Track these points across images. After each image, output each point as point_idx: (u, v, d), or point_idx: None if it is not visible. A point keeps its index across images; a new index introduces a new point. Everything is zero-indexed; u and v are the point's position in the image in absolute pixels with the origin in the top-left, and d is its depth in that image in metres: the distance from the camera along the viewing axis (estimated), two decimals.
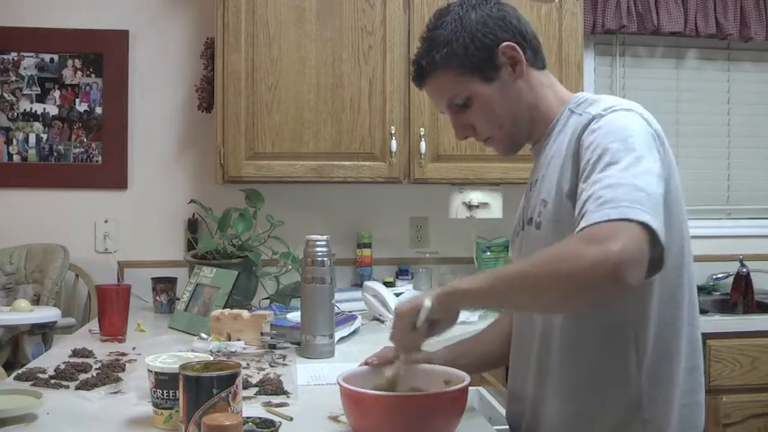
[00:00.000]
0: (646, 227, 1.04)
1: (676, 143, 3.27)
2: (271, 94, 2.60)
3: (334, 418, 1.29)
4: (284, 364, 1.73)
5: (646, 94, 3.23)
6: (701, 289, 2.99)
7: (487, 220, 2.83)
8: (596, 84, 3.25)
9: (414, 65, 1.38)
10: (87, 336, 2.12)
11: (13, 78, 2.85)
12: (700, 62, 3.34)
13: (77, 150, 2.88)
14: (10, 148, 2.85)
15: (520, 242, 1.39)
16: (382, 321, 2.40)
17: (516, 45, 1.32)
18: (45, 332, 2.37)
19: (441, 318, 1.17)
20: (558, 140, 1.30)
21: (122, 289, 2.10)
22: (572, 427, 1.25)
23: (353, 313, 2.28)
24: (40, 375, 1.56)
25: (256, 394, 1.43)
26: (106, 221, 2.89)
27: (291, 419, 1.27)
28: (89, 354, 1.80)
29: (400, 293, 2.56)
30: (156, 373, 1.22)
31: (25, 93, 2.86)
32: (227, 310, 1.96)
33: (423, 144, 2.66)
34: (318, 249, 1.84)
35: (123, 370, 1.63)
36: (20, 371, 1.62)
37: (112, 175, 2.89)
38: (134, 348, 1.90)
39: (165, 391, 1.21)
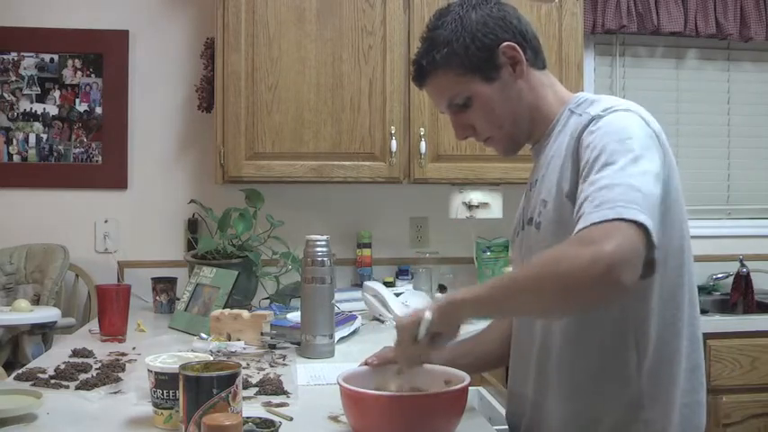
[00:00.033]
0: (641, 226, 1.04)
1: (676, 143, 3.27)
2: (271, 94, 2.60)
3: (334, 418, 1.29)
4: (284, 364, 1.73)
5: (646, 94, 3.23)
6: (701, 289, 2.99)
7: (487, 220, 2.83)
8: (596, 84, 3.25)
9: (414, 65, 1.38)
10: (87, 336, 2.12)
11: (13, 78, 2.85)
12: (700, 62, 3.34)
13: (77, 150, 2.88)
14: (10, 148, 2.85)
15: (520, 242, 1.39)
16: (382, 321, 2.41)
17: (517, 45, 1.32)
18: (45, 332, 2.37)
19: (442, 330, 1.16)
20: (558, 141, 1.30)
21: (122, 289, 2.10)
22: (572, 427, 1.25)
23: (353, 313, 2.28)
24: (40, 375, 1.56)
25: (256, 394, 1.43)
26: (106, 221, 2.89)
27: (291, 419, 1.27)
28: (89, 354, 1.80)
29: (400, 293, 2.56)
30: (156, 373, 1.22)
31: (25, 93, 2.86)
32: (227, 310, 1.96)
33: (423, 144, 2.66)
34: (318, 249, 1.84)
35: (123, 370, 1.63)
36: (20, 371, 1.62)
37: (112, 175, 2.89)
38: (134, 348, 1.90)
39: (165, 391, 1.21)
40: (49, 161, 2.86)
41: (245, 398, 1.28)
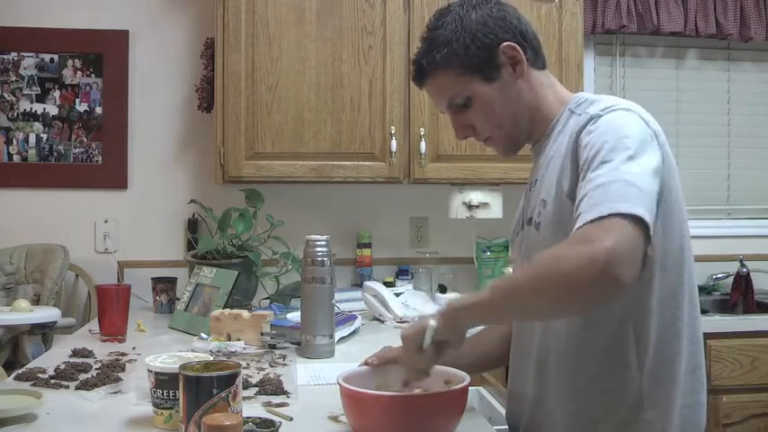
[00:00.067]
0: (639, 221, 1.04)
1: (676, 143, 3.27)
2: (271, 94, 2.60)
3: (334, 418, 1.29)
4: (284, 364, 1.73)
5: (646, 94, 3.23)
6: (701, 289, 2.97)
7: (487, 220, 2.83)
8: (596, 84, 3.25)
9: (414, 65, 1.38)
10: (87, 336, 2.12)
11: (13, 78, 2.85)
12: (700, 62, 3.34)
13: (77, 150, 2.88)
14: (10, 148, 2.85)
15: (519, 242, 1.39)
16: (382, 321, 2.41)
17: (517, 45, 1.32)
18: (45, 332, 2.37)
19: (447, 338, 1.16)
20: (558, 141, 1.30)
21: (122, 289, 2.10)
22: (572, 427, 1.25)
23: (353, 313, 2.28)
24: (40, 375, 1.56)
25: (256, 394, 1.43)
26: (106, 221, 2.89)
27: (291, 419, 1.27)
28: (89, 354, 1.80)
29: (400, 293, 2.56)
30: (156, 373, 1.22)
31: (25, 93, 2.86)
32: (227, 310, 1.96)
33: (423, 144, 2.66)
34: (318, 249, 1.84)
35: (123, 370, 1.63)
36: (20, 371, 1.62)
37: (112, 175, 2.89)
38: (134, 348, 1.90)
39: (165, 391, 1.21)
40: (49, 161, 2.86)
41: (245, 398, 1.28)
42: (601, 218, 1.04)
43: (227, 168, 2.58)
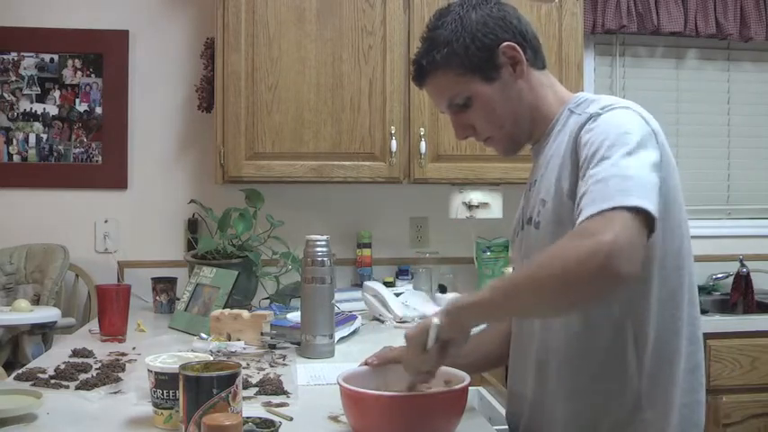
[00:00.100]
0: (640, 212, 1.04)
1: (676, 143, 3.27)
2: (271, 94, 2.60)
3: (334, 418, 1.29)
4: (284, 364, 1.73)
5: (646, 94, 3.23)
6: (701, 289, 2.98)
7: (487, 220, 2.83)
8: (596, 84, 3.25)
9: (414, 65, 1.38)
10: (87, 336, 2.12)
11: (13, 78, 2.85)
12: (700, 62, 3.34)
13: (77, 150, 2.88)
14: (10, 148, 2.85)
15: (519, 242, 1.39)
16: (382, 321, 2.41)
17: (517, 45, 1.32)
18: (45, 332, 2.37)
19: (452, 336, 1.15)
20: (558, 140, 1.30)
21: (122, 289, 2.10)
22: (572, 427, 1.25)
23: (353, 313, 2.28)
24: (40, 375, 1.56)
25: (256, 394, 1.43)
26: (106, 221, 2.89)
27: (291, 419, 1.27)
28: (89, 354, 1.80)
29: (400, 293, 2.56)
30: (156, 373, 1.22)
31: (25, 93, 2.86)
32: (227, 310, 1.96)
33: (423, 144, 2.66)
34: (318, 249, 1.84)
35: (123, 370, 1.63)
36: (20, 371, 1.62)
37: (112, 175, 2.89)
38: (134, 348, 1.90)
39: (165, 391, 1.21)
40: (49, 161, 2.86)
41: (245, 398, 1.28)
42: (601, 212, 1.04)
43: (227, 168, 2.58)
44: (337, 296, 2.06)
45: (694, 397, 1.25)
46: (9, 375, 1.71)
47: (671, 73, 3.32)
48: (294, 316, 2.07)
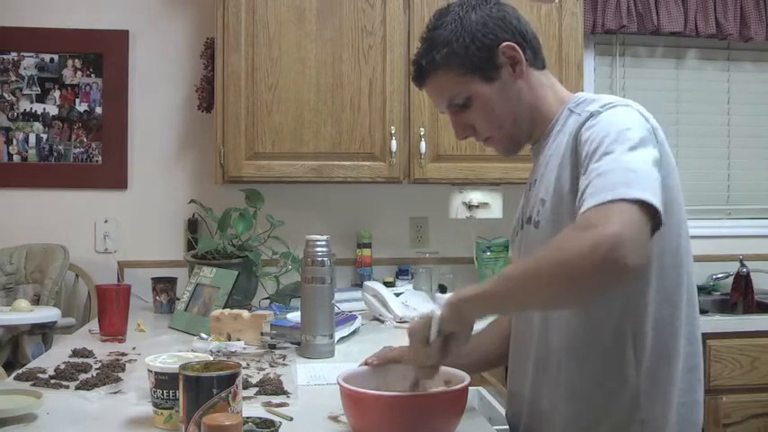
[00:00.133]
0: (643, 204, 1.03)
1: (676, 143, 3.27)
2: (271, 94, 2.60)
3: (334, 418, 1.29)
4: (284, 364, 1.73)
5: (646, 94, 3.23)
6: (701, 289, 2.99)
7: (487, 220, 2.83)
8: (596, 84, 3.25)
9: (414, 65, 1.38)
10: (87, 336, 2.12)
11: (13, 78, 2.85)
12: (700, 62, 3.34)
13: (77, 150, 2.88)
14: (10, 148, 2.85)
15: (519, 241, 1.39)
16: (382, 321, 2.41)
17: (516, 45, 1.32)
18: (45, 332, 2.37)
19: (454, 329, 1.14)
20: (558, 140, 1.30)
21: (122, 289, 2.10)
22: (571, 426, 1.25)
23: (353, 313, 2.28)
24: (40, 375, 1.56)
25: (256, 394, 1.43)
26: (106, 221, 2.89)
27: (291, 419, 1.27)
28: (89, 354, 1.80)
29: (400, 293, 2.56)
30: (156, 373, 1.22)
31: (25, 93, 2.86)
32: (227, 310, 1.96)
33: (423, 144, 2.66)
34: (318, 249, 1.84)
35: (123, 370, 1.63)
36: (20, 371, 1.62)
37: (112, 175, 2.89)
38: (134, 348, 1.90)
39: (165, 391, 1.21)
40: (49, 161, 2.86)
41: (245, 398, 1.28)
42: (603, 203, 1.03)
43: (227, 168, 2.58)
44: (337, 296, 2.06)
45: (692, 396, 1.25)
46: (9, 375, 1.71)
47: (671, 73, 3.32)
48: (294, 316, 2.07)
